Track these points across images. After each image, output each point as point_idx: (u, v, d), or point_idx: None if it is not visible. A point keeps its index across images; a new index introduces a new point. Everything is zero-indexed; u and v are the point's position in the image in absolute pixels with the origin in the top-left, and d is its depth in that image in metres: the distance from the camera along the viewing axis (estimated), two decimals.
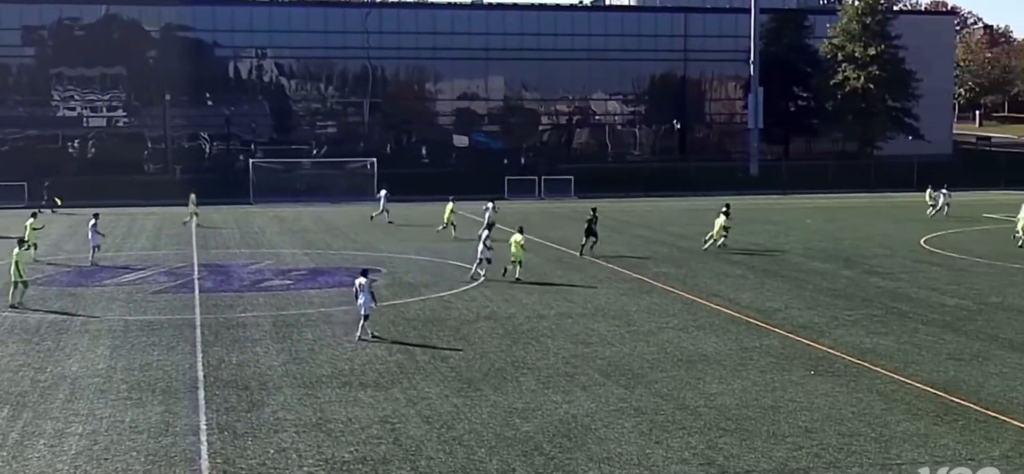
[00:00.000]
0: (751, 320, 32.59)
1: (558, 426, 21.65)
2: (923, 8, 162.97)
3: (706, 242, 50.11)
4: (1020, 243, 50.65)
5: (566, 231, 59.02)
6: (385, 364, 26.92)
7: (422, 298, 36.91)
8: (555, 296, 37.09)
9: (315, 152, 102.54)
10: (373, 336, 29.86)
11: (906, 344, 29.08)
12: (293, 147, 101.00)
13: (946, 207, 66.72)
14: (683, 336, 30.25)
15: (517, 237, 41.33)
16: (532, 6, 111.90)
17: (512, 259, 40.64)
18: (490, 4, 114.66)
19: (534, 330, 31.18)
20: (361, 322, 30.02)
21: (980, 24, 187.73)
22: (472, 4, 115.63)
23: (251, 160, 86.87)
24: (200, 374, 26.09)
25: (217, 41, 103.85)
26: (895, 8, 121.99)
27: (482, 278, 40.27)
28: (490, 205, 58.65)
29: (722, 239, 49.36)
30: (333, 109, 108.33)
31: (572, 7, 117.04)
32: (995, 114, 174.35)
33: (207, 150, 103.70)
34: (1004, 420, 21.88)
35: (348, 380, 25.35)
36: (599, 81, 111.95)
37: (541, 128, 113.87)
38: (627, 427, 21.57)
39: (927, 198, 69.94)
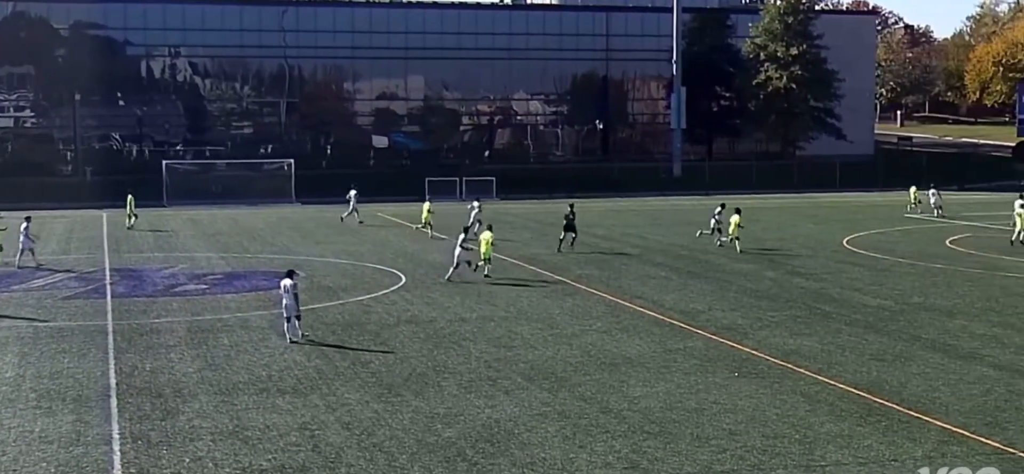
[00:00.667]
0: (675, 322, 32.46)
1: (481, 431, 21.31)
2: (845, 8, 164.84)
3: (720, 240, 50.93)
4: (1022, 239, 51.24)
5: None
6: (304, 370, 26.40)
7: (341, 302, 36.39)
8: (477, 299, 36.75)
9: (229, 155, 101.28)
10: (290, 341, 29.42)
11: (829, 345, 29.10)
12: (208, 148, 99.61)
13: (937, 209, 67.48)
14: (607, 339, 30.03)
15: (486, 235, 42.28)
16: (452, 5, 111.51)
17: (483, 257, 41.42)
18: (409, 2, 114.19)
19: (456, 334, 30.80)
20: (287, 324, 29.67)
21: (901, 24, 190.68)
22: (391, 2, 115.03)
23: (164, 161, 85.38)
24: (112, 382, 25.39)
25: (129, 39, 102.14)
26: (817, 8, 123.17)
27: (447, 277, 40.34)
28: (475, 204, 59.01)
29: (737, 239, 49.49)
30: (249, 109, 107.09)
31: (493, 6, 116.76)
32: (916, 114, 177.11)
33: (119, 151, 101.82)
34: (926, 420, 21.89)
35: (266, 386, 24.83)
36: (520, 81, 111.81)
37: (462, 128, 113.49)
38: (550, 431, 21.28)
39: (911, 197, 70.54)
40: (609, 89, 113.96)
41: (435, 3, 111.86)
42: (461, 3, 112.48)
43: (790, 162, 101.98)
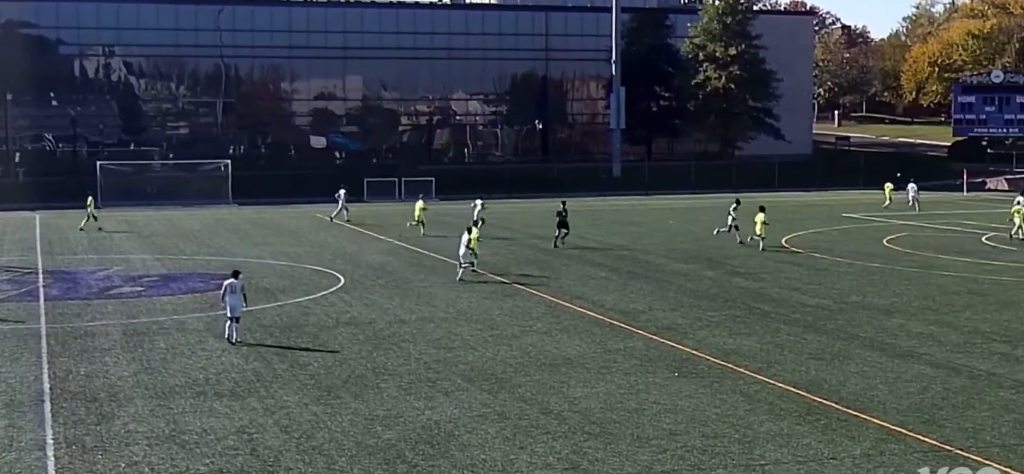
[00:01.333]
0: (615, 322, 32.47)
1: (421, 433, 21.17)
2: (782, 9, 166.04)
3: (739, 238, 51.61)
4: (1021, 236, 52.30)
5: (427, 233, 58.53)
6: (241, 372, 26.12)
7: (279, 304, 36.06)
8: (417, 300, 36.59)
9: (170, 156, 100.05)
10: (237, 340, 29.29)
11: (768, 344, 29.23)
12: (143, 149, 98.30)
13: (916, 202, 69.42)
14: (547, 339, 29.97)
15: (474, 233, 43.07)
16: (391, 4, 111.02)
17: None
18: (347, 2, 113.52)
19: (395, 335, 30.62)
20: (228, 324, 29.46)
21: (838, 24, 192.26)
22: (329, 1, 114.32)
23: (99, 162, 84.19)
24: (46, 386, 24.99)
25: (62, 38, 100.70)
26: (755, 8, 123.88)
27: (459, 276, 40.81)
28: (478, 203, 59.92)
29: (763, 237, 49.98)
30: (185, 109, 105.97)
31: (432, 5, 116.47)
32: (853, 114, 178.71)
33: (52, 152, 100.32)
34: (864, 418, 22.03)
35: (203, 390, 24.54)
36: (460, 80, 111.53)
37: (401, 128, 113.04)
38: (491, 433, 21.18)
39: (886, 193, 72.15)
40: (549, 89, 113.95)
41: (373, 2, 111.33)
42: (399, 2, 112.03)
43: (729, 162, 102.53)
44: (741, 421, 21.92)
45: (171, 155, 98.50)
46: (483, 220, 53.67)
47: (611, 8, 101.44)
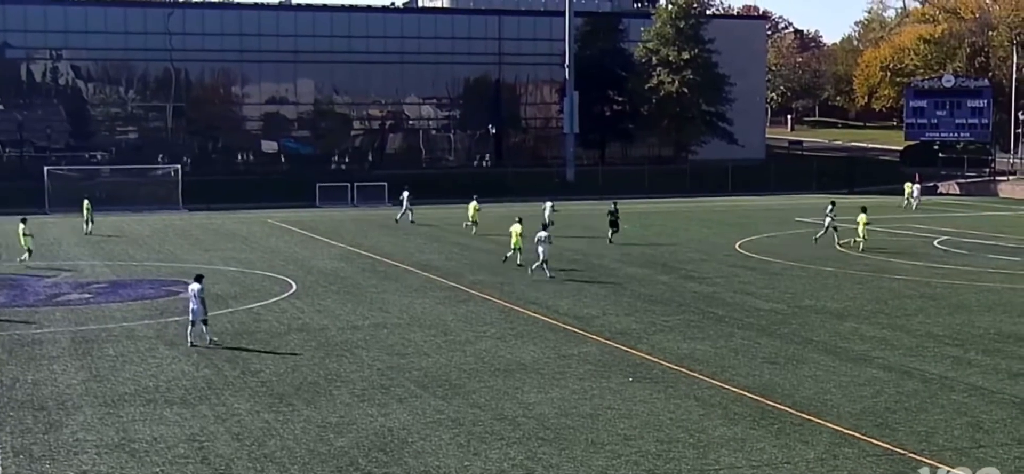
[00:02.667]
0: (569, 327, 32.39)
1: (374, 440, 21.00)
2: (735, 13, 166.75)
3: (838, 240, 52.60)
4: None
5: (379, 239, 58.41)
6: (192, 380, 25.82)
7: (230, 310, 35.70)
8: (369, 306, 36.36)
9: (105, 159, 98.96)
10: (192, 345, 29.39)
11: (722, 348, 29.25)
12: (91, 154, 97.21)
13: (916, 201, 73.27)
14: (501, 345, 29.84)
15: (516, 227, 46.16)
16: (343, 7, 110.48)
17: (513, 246, 45.69)
18: (299, 5, 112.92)
19: (348, 342, 30.38)
20: (191, 328, 29.71)
21: (791, 29, 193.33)
22: (280, 5, 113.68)
23: (46, 167, 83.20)
24: None
25: (8, 41, 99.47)
26: (708, 12, 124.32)
27: (549, 277, 41.79)
28: (549, 204, 61.56)
29: (864, 238, 50.89)
30: (134, 114, 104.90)
31: (384, 9, 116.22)
32: (806, 118, 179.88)
33: None
34: (818, 422, 22.07)
35: (153, 397, 24.24)
36: (412, 85, 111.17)
37: (353, 133, 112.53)
38: (445, 439, 21.04)
39: (907, 193, 76.83)
40: (502, 93, 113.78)
41: (325, 6, 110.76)
42: (351, 6, 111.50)
43: (682, 166, 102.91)
44: (695, 426, 21.89)
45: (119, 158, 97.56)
46: (552, 222, 55.16)
47: (564, 12, 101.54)
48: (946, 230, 57.92)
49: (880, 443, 20.70)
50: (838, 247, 52.22)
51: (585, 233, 59.65)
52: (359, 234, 60.89)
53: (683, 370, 26.68)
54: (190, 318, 29.89)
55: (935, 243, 54.63)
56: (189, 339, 29.77)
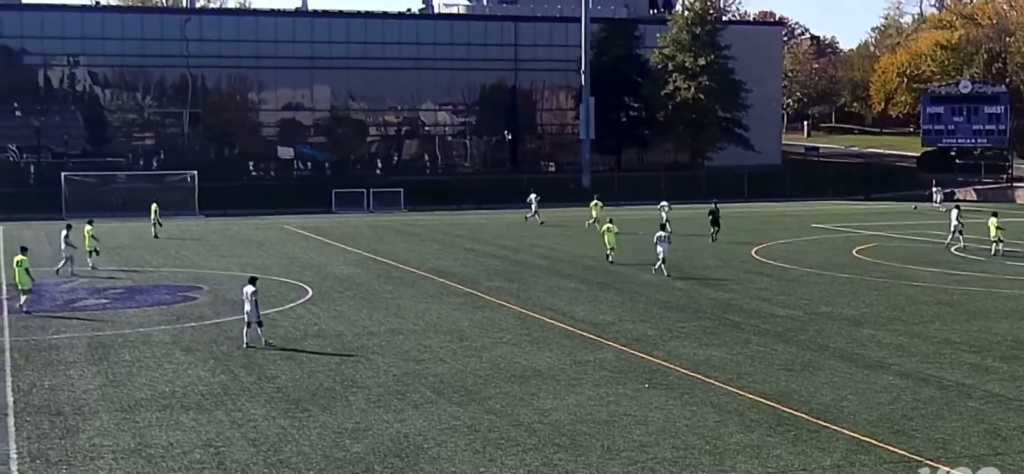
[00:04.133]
0: (585, 334, 32.36)
1: (390, 446, 20.99)
2: (751, 19, 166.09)
3: (962, 243, 53.87)
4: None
5: (395, 245, 58.44)
6: (208, 385, 25.87)
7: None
8: (385, 312, 36.38)
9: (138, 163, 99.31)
10: (247, 346, 30.01)
11: (739, 355, 29.17)
12: (108, 160, 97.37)
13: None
14: (516, 351, 29.82)
15: (609, 225, 50.24)
16: (359, 14, 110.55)
17: (609, 246, 49.14)
18: (315, 11, 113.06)
19: (364, 348, 30.41)
20: (247, 329, 30.38)
21: (807, 35, 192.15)
22: (296, 11, 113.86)
23: (63, 173, 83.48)
24: (9, 400, 24.67)
25: (25, 48, 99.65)
26: (724, 18, 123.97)
27: (666, 275, 44.27)
28: (665, 204, 64.59)
29: (999, 242, 51.60)
30: (151, 120, 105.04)
31: (400, 15, 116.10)
32: (822, 124, 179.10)
33: (16, 163, 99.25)
34: (835, 429, 22.00)
35: (169, 403, 24.29)
36: (428, 91, 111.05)
37: (369, 139, 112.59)
38: (460, 445, 21.02)
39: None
40: (518, 99, 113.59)
41: (341, 12, 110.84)
42: (368, 12, 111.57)
43: (698, 172, 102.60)
44: (711, 432, 21.84)
45: (140, 162, 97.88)
46: (669, 222, 57.53)
47: (580, 18, 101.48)
48: (964, 237, 57.61)
49: (897, 450, 20.62)
50: (954, 252, 52.88)
51: (600, 239, 59.44)
52: (375, 240, 60.94)
53: (699, 376, 26.62)
54: (245, 319, 30.59)
55: (952, 250, 54.40)
56: (244, 341, 30.34)
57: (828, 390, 25.26)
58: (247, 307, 30.47)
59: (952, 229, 55.88)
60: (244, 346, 30.10)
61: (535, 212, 70.93)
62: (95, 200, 78.33)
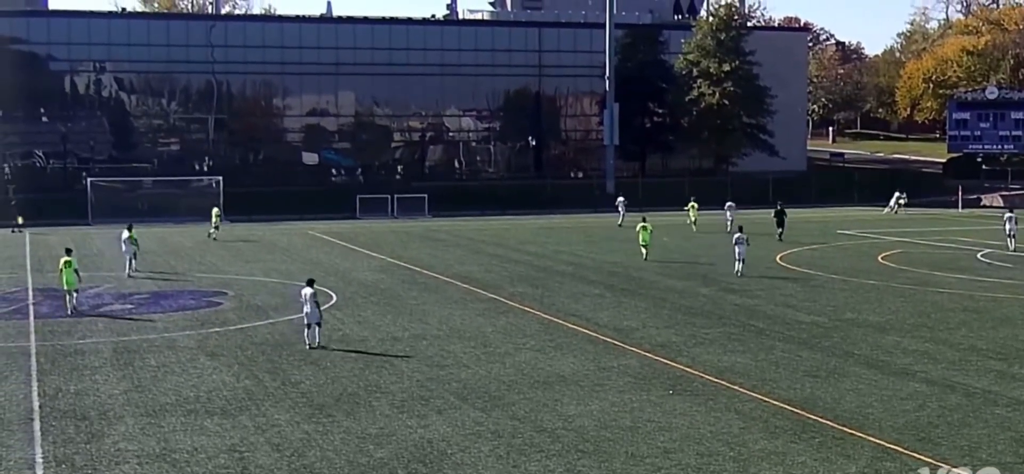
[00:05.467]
0: (609, 340, 32.30)
1: (413, 451, 20.98)
2: (776, 24, 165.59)
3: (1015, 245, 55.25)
4: None
5: (419, 251, 58.52)
6: (232, 391, 25.93)
7: (271, 322, 35.86)
8: (409, 318, 36.40)
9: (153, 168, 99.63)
10: (310, 347, 30.52)
11: (763, 361, 29.06)
12: (134, 165, 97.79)
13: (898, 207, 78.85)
14: (540, 357, 29.78)
15: (642, 224, 53.50)
16: (383, 20, 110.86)
17: (642, 244, 52.50)
18: (340, 18, 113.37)
19: (387, 353, 30.44)
20: (307, 331, 31.05)
21: (832, 41, 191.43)
22: (321, 17, 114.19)
23: (89, 179, 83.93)
24: (35, 404, 24.75)
25: (52, 54, 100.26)
26: (749, 24, 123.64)
27: (739, 274, 46.11)
28: (730, 205, 69.65)
29: None
30: (176, 126, 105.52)
31: (424, 21, 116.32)
32: (848, 130, 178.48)
33: (43, 168, 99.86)
34: (859, 436, 21.87)
35: (194, 408, 24.34)
36: (453, 97, 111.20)
37: (393, 145, 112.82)
38: (484, 451, 20.99)
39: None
40: (542, 105, 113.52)
41: (366, 18, 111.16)
42: (392, 18, 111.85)
43: (723, 178, 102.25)
44: (736, 439, 21.75)
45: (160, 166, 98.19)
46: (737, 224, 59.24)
47: (604, 24, 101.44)
48: (990, 243, 57.38)
49: (922, 457, 20.48)
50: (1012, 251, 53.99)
51: (624, 245, 59.45)
52: (399, 246, 61.04)
53: (723, 383, 26.53)
54: (305, 321, 31.17)
55: (978, 256, 54.13)
56: (306, 343, 30.92)
57: (853, 397, 25.13)
58: (306, 309, 31.10)
59: (1008, 232, 56.64)
60: (308, 347, 30.71)
61: (623, 216, 73.83)
62: (121, 206, 78.76)
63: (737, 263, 46.85)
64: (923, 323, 35.16)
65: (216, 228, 66.36)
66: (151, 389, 26.21)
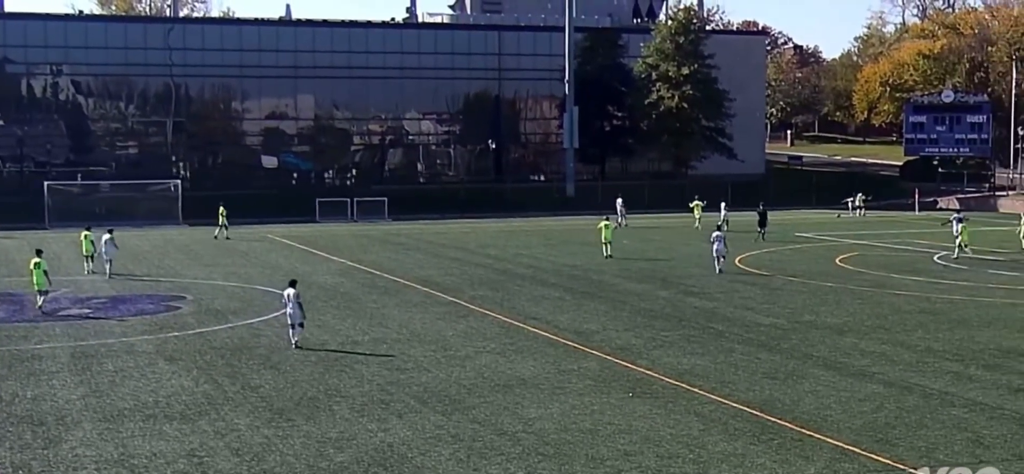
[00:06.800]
0: (569, 342, 32.35)
1: (374, 455, 20.93)
2: (735, 28, 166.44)
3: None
4: None
5: (379, 254, 58.41)
6: (192, 395, 25.77)
7: (230, 326, 35.68)
8: (369, 322, 36.32)
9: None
10: (296, 346, 30.85)
11: (722, 364, 29.19)
12: (91, 169, 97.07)
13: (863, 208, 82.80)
14: (501, 360, 29.79)
15: (605, 222, 55.87)
16: (343, 23, 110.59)
17: (604, 240, 54.83)
18: (299, 20, 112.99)
19: (347, 357, 30.35)
20: (291, 330, 31.33)
21: (790, 44, 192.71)
22: (280, 20, 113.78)
23: (46, 182, 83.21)
24: None
25: (8, 57, 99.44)
26: (707, 27, 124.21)
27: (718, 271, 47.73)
28: (722, 205, 72.91)
29: None
30: (134, 129, 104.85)
31: (384, 24, 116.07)
32: (806, 134, 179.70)
33: None
34: (818, 438, 22.00)
35: (152, 413, 24.18)
36: (412, 100, 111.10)
37: (353, 148, 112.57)
38: (444, 455, 20.97)
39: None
40: (502, 108, 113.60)
41: (325, 21, 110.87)
42: (352, 21, 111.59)
43: (682, 181, 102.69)
44: (695, 441, 21.83)
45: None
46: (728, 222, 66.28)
47: (564, 27, 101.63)
48: (946, 245, 57.88)
49: (880, 458, 20.64)
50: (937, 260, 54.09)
51: (584, 249, 59.59)
52: (359, 249, 60.89)
53: (683, 385, 26.63)
54: (289, 322, 31.53)
55: (935, 258, 54.60)
56: (293, 343, 31.37)
57: (812, 399, 25.29)
58: (289, 309, 31.36)
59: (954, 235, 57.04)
60: (293, 347, 31.02)
61: (621, 217, 74.50)
62: (78, 209, 78.13)
63: (716, 261, 48.43)
64: (880, 325, 35.43)
65: (224, 227, 67.72)
66: (109, 394, 26.01)
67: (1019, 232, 60.52)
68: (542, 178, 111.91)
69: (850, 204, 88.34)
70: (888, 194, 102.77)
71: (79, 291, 44.58)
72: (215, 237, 65.92)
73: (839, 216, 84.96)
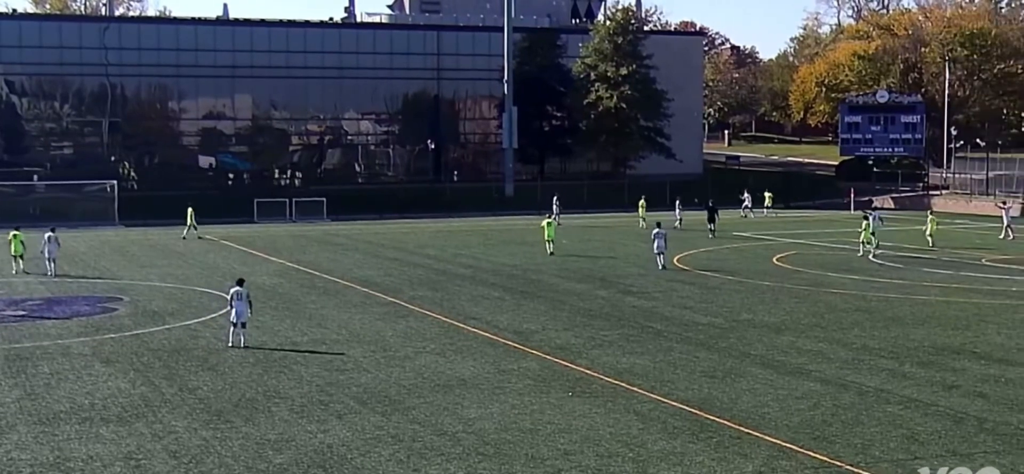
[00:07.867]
0: (509, 342, 32.39)
1: (313, 456, 20.84)
2: (673, 28, 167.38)
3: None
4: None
5: (318, 255, 58.15)
6: (128, 397, 25.52)
7: (167, 327, 35.38)
8: (308, 323, 36.16)
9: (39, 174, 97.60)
10: (232, 346, 30.56)
11: (661, 362, 29.36)
12: (25, 169, 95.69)
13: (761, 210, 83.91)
14: (440, 360, 29.77)
15: (548, 220, 57.62)
16: (281, 22, 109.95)
17: (547, 238, 56.08)
18: (236, 20, 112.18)
19: (286, 358, 30.19)
20: (233, 330, 31.05)
21: (728, 45, 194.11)
22: (218, 19, 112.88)
23: None
24: None
25: None
26: (645, 28, 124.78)
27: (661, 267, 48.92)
28: (677, 202, 74.19)
29: None
30: (69, 129, 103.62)
31: (322, 24, 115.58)
32: (743, 133, 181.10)
33: None
34: (756, 435, 22.17)
35: (89, 415, 23.92)
36: (351, 100, 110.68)
37: (291, 149, 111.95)
38: (384, 455, 20.92)
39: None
40: (441, 108, 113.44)
41: (263, 20, 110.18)
42: (290, 21, 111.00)
43: (621, 181, 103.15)
44: (635, 440, 21.93)
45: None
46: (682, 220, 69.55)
47: (503, 28, 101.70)
48: (881, 244, 58.57)
49: (817, 456, 20.85)
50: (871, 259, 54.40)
51: (523, 248, 59.69)
52: (297, 250, 60.59)
53: (622, 384, 26.74)
54: (232, 320, 31.31)
55: (871, 257, 55.22)
56: (230, 341, 31.23)
57: (749, 397, 25.49)
58: (237, 308, 31.11)
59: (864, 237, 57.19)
60: (236, 346, 30.89)
61: (557, 214, 73.90)
62: (11, 210, 77.01)
63: (658, 258, 49.48)
64: (817, 323, 35.79)
65: (194, 227, 67.46)
66: (44, 397, 25.70)
67: (925, 231, 61.82)
68: (481, 178, 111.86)
69: (743, 205, 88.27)
70: (825, 194, 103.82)
71: (13, 292, 44.00)
72: (184, 237, 65.56)
73: (746, 216, 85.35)
